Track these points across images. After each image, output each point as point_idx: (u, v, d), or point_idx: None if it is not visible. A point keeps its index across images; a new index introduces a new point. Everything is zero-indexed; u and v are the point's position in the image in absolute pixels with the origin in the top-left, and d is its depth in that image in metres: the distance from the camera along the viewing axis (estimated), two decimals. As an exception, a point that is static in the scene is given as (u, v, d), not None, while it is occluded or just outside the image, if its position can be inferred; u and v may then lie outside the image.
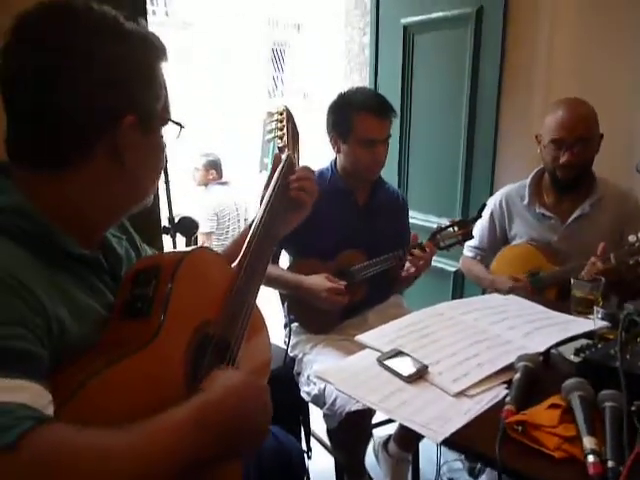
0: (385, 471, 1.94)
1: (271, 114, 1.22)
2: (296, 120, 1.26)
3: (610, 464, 0.80)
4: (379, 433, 2.03)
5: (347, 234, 1.86)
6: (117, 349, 0.72)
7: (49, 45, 0.72)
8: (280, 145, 1.19)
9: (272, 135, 1.21)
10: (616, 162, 2.07)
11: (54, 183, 0.76)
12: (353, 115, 1.76)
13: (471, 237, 1.84)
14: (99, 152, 0.77)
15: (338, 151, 1.87)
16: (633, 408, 0.90)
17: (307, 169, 1.15)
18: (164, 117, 0.85)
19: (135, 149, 0.79)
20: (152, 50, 0.81)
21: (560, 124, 1.80)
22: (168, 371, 0.77)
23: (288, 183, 1.11)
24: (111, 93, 0.75)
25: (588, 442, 0.84)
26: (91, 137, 0.76)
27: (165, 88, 0.84)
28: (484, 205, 1.86)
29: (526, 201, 1.96)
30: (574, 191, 1.89)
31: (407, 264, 1.79)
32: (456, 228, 1.81)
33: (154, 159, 0.85)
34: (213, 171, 4.10)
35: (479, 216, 1.83)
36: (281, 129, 1.21)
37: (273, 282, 1.82)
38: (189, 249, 0.90)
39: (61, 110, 0.73)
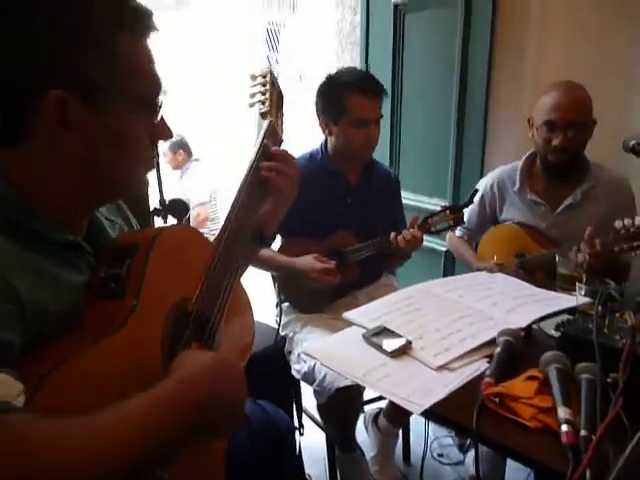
0: (373, 444, 1.98)
1: (254, 77, 1.14)
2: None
3: (583, 433, 0.83)
4: (370, 408, 2.07)
5: (339, 215, 1.87)
6: (91, 332, 0.71)
7: None
8: (263, 110, 1.10)
9: (254, 100, 1.13)
10: (606, 148, 2.05)
11: (14, 159, 0.73)
12: (344, 96, 1.76)
13: (462, 222, 1.85)
14: (38, 128, 0.71)
15: (329, 133, 1.87)
16: (608, 380, 0.92)
17: (283, 151, 1.08)
18: (133, 97, 0.76)
19: (77, 129, 0.72)
20: (112, 18, 0.73)
21: (554, 106, 1.77)
22: (144, 352, 0.75)
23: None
24: (34, 62, 0.69)
25: (562, 412, 0.87)
26: (16, 110, 0.71)
27: (138, 65, 0.76)
28: (476, 191, 1.86)
29: (517, 187, 1.94)
30: (565, 178, 1.86)
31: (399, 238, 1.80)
32: (447, 212, 1.82)
33: (117, 142, 0.76)
34: (181, 151, 4.10)
35: (470, 202, 1.83)
36: (264, 93, 1.12)
37: (264, 264, 1.83)
38: (166, 225, 0.88)
39: None
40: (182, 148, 4.08)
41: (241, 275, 1.14)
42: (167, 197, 1.86)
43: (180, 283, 0.85)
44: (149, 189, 1.70)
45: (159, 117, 0.83)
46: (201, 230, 3.95)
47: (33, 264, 0.70)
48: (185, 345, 0.82)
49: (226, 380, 0.71)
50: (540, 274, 1.83)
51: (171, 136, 0.86)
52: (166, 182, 1.73)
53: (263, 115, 1.09)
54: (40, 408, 0.60)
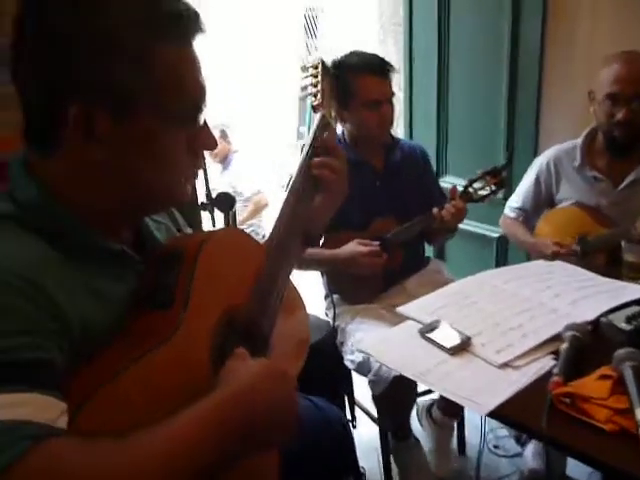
0: (429, 437, 1.95)
1: (305, 68, 1.11)
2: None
3: (664, 437, 0.77)
4: (422, 400, 2.04)
5: (372, 203, 1.84)
6: (139, 344, 0.69)
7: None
8: (315, 103, 1.06)
9: (306, 92, 1.10)
10: None
11: (51, 169, 0.72)
12: (353, 79, 1.73)
13: (504, 186, 1.79)
14: (65, 138, 0.69)
15: (343, 121, 1.83)
16: (689, 378, 0.86)
17: (335, 145, 1.03)
18: (169, 109, 0.72)
19: (104, 140, 0.69)
20: (146, 27, 0.68)
21: (617, 78, 1.70)
22: (192, 365, 0.73)
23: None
24: (53, 71, 0.67)
25: (641, 414, 0.82)
26: (42, 120, 0.70)
27: (176, 75, 0.71)
28: (512, 150, 1.79)
29: (577, 163, 1.87)
30: (629, 153, 1.79)
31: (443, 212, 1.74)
32: (488, 178, 1.76)
33: (151, 153, 0.73)
34: (228, 139, 4.09)
35: (509, 163, 1.77)
36: (315, 85, 1.09)
37: (308, 264, 1.81)
38: (214, 230, 0.86)
39: (17, 82, 0.70)
40: (223, 139, 4.09)
41: (290, 272, 1.13)
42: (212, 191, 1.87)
43: (229, 290, 0.83)
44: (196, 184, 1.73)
45: (201, 126, 0.79)
46: (260, 216, 3.99)
47: (79, 277, 0.69)
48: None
49: (275, 389, 0.69)
50: (601, 257, 1.75)
51: (215, 146, 0.82)
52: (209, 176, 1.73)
53: (315, 108, 1.06)
54: (84, 429, 0.59)
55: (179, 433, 0.61)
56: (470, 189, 1.76)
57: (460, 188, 1.80)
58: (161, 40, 0.69)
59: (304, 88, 1.09)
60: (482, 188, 1.76)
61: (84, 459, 0.56)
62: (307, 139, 1.01)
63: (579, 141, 1.90)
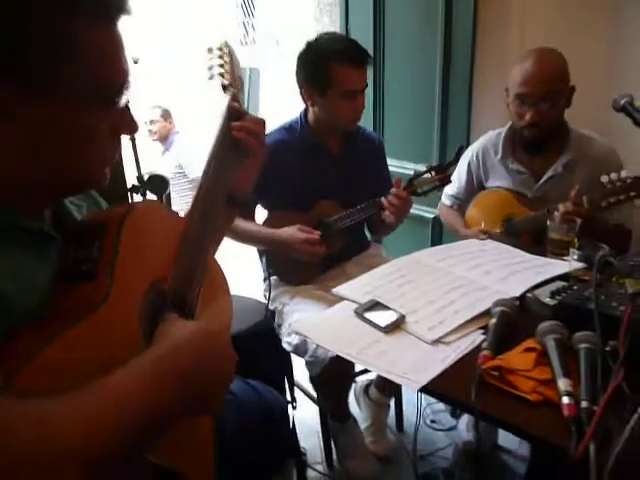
0: (365, 415, 1.99)
1: (211, 50, 1.13)
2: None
3: (584, 404, 0.81)
4: (360, 380, 2.07)
5: (322, 185, 1.83)
6: (66, 316, 0.67)
7: None
8: (225, 83, 1.09)
9: (212, 72, 1.12)
10: (592, 115, 1.97)
11: None
12: (332, 67, 1.68)
13: (449, 182, 1.80)
14: None
15: (312, 104, 1.80)
16: (607, 348, 0.90)
17: (254, 116, 1.07)
18: (87, 89, 0.68)
19: (15, 119, 0.66)
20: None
21: (525, 78, 1.69)
22: (122, 334, 0.73)
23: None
24: None
25: (563, 384, 0.85)
26: None
27: (96, 53, 0.68)
28: (461, 148, 1.81)
29: (499, 155, 1.89)
30: (545, 149, 1.80)
31: (385, 213, 1.76)
32: (433, 173, 1.77)
33: (68, 135, 0.70)
34: (171, 119, 4.00)
35: (456, 160, 1.79)
36: (222, 65, 1.11)
37: (248, 239, 1.80)
38: (135, 203, 0.84)
39: None
40: (165, 119, 3.97)
41: (219, 243, 1.12)
42: (151, 173, 1.81)
43: (155, 261, 0.82)
44: (124, 166, 1.66)
45: (122, 108, 0.75)
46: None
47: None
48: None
49: (208, 350, 0.68)
50: (526, 237, 1.80)
51: (136, 129, 0.79)
52: (148, 158, 1.67)
53: (225, 87, 1.08)
54: (21, 389, 0.57)
55: (114, 387, 0.59)
56: (415, 182, 1.77)
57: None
58: (81, 14, 0.66)
59: (210, 68, 1.11)
60: (426, 183, 1.77)
61: (16, 410, 0.54)
62: (220, 117, 1.03)
63: (504, 130, 1.90)
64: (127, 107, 0.77)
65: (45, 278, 0.72)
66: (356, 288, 1.27)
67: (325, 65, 1.69)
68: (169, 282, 0.82)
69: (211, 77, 1.10)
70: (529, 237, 1.80)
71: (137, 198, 1.77)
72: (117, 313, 0.72)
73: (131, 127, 0.78)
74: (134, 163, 1.78)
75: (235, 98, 1.07)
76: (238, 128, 1.01)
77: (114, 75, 0.71)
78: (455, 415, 2.14)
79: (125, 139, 1.64)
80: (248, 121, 1.02)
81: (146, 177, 1.77)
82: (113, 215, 0.80)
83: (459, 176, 2.03)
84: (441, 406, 2.20)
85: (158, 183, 1.79)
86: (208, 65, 1.11)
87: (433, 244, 2.68)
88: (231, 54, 1.13)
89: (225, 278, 0.99)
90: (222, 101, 1.05)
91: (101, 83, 0.70)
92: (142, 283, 0.78)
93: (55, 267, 0.74)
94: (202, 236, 0.90)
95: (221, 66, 1.10)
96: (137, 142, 1.76)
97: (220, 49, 1.12)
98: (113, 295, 0.71)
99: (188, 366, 0.65)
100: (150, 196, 1.77)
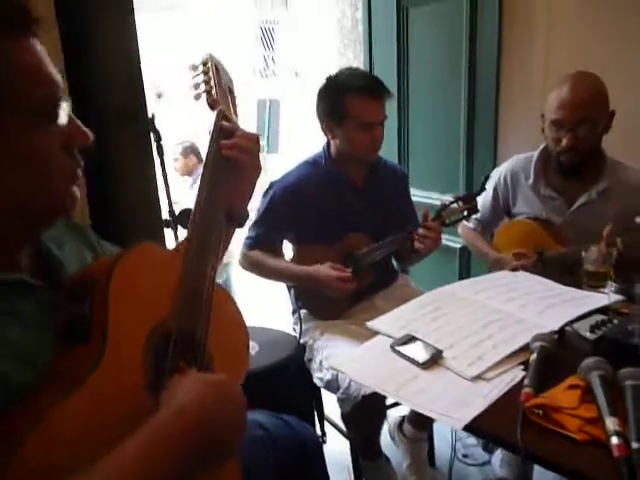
0: (403, 452, 1.95)
1: (195, 67, 1.06)
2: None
3: (635, 445, 0.78)
4: (393, 414, 2.03)
5: (349, 217, 1.84)
6: (62, 381, 0.66)
7: None
8: (209, 100, 1.02)
9: (199, 91, 1.04)
10: (625, 141, 1.89)
11: None
12: (348, 99, 1.72)
13: (476, 211, 1.80)
14: None
15: (333, 137, 1.83)
16: (655, 385, 0.88)
17: (246, 132, 1.02)
18: (20, 108, 0.66)
19: None
20: None
21: (561, 104, 1.67)
22: (126, 391, 0.71)
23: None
24: None
25: (611, 423, 0.83)
26: None
27: (19, 69, 0.66)
28: (487, 177, 1.81)
29: (531, 180, 1.85)
30: (580, 175, 1.77)
31: (416, 243, 1.76)
32: (460, 203, 1.77)
33: (15, 161, 0.67)
34: (192, 156, 4.04)
35: (483, 189, 1.79)
36: (207, 82, 1.04)
37: (277, 276, 1.82)
38: (121, 251, 0.79)
39: None
40: (193, 153, 4.03)
41: (221, 260, 1.05)
42: (182, 206, 1.83)
43: (154, 304, 0.79)
44: (159, 200, 1.69)
45: (67, 122, 0.73)
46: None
47: None
48: (171, 371, 0.76)
49: (215, 402, 0.67)
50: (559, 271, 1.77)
51: (88, 139, 0.76)
52: (178, 191, 1.69)
53: (211, 105, 1.02)
54: (21, 468, 0.56)
55: (122, 467, 0.58)
56: (443, 214, 1.77)
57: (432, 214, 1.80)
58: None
59: (196, 86, 1.04)
60: (454, 213, 1.77)
61: None
62: (210, 134, 0.98)
63: (535, 155, 1.88)
64: (72, 118, 0.74)
65: (20, 334, 0.69)
66: (390, 322, 1.27)
67: (342, 97, 1.73)
68: (172, 324, 0.79)
69: (197, 97, 1.04)
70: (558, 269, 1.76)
71: (168, 232, 1.80)
72: (115, 372, 0.70)
73: (83, 138, 0.75)
74: (165, 197, 1.81)
75: (224, 115, 1.02)
76: (229, 146, 0.97)
77: (39, 87, 0.68)
78: (488, 450, 2.09)
79: (158, 173, 1.67)
80: (240, 137, 0.98)
81: (177, 211, 1.80)
82: (101, 267, 0.78)
83: (484, 200, 2.00)
84: (473, 440, 2.15)
85: (188, 217, 1.82)
86: (193, 83, 1.04)
87: (460, 273, 2.66)
88: (217, 66, 1.07)
89: (238, 308, 0.96)
90: (210, 120, 1.00)
91: (29, 98, 0.67)
92: (141, 332, 0.76)
93: (46, 319, 0.72)
94: (200, 263, 0.86)
95: (206, 82, 1.04)
96: (168, 176, 1.79)
97: (204, 64, 1.06)
98: (107, 357, 0.69)
99: (195, 424, 0.64)
100: (181, 230, 1.80)
